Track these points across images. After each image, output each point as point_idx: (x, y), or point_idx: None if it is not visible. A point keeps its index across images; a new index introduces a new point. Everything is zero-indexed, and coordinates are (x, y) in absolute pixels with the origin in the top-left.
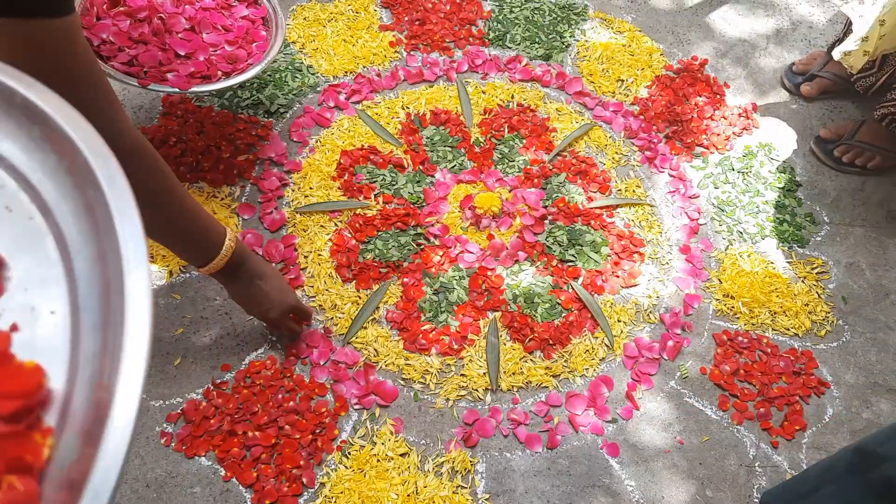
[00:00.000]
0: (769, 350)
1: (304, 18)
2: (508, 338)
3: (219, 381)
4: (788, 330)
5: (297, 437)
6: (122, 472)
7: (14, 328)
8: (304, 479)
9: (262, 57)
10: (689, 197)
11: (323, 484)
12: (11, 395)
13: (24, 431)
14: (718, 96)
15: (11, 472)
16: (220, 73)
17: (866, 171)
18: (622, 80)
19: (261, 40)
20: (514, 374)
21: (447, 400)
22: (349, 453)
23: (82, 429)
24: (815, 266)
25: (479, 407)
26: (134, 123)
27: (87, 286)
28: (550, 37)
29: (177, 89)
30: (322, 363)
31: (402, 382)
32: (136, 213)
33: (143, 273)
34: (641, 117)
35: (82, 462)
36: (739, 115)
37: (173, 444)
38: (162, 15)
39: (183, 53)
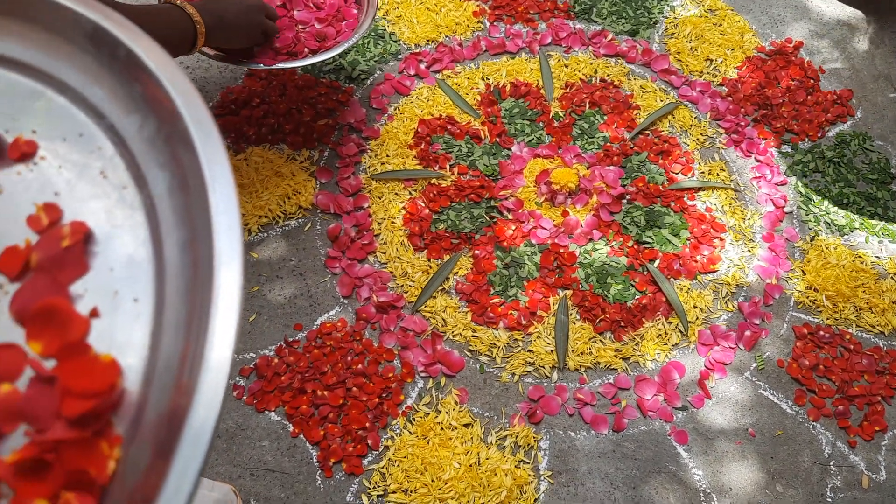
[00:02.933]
0: (852, 346)
1: None
2: (578, 317)
3: (291, 339)
4: (874, 327)
5: (364, 399)
6: (195, 492)
7: (94, 314)
8: (369, 441)
9: (350, 35)
10: (776, 184)
11: (387, 447)
12: (83, 393)
13: (90, 439)
14: (812, 81)
15: (71, 488)
16: (306, 49)
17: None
18: (711, 60)
19: (351, 18)
20: (582, 353)
21: (513, 374)
22: (414, 419)
23: (154, 438)
24: None
25: (545, 384)
26: (218, 81)
27: (175, 275)
28: (638, 12)
29: (262, 65)
30: (391, 329)
31: (468, 354)
32: (234, 198)
33: (236, 270)
34: (729, 99)
35: (150, 478)
36: (833, 101)
37: (245, 398)
38: None
39: None
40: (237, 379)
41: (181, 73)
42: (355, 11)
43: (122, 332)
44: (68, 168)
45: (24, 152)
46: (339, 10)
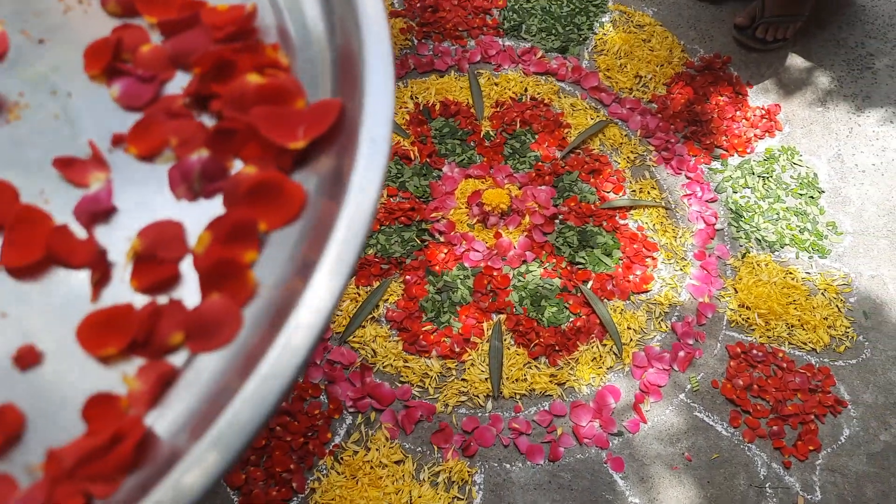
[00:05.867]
0: (785, 365)
1: None
2: (513, 342)
3: None
4: (806, 344)
5: (288, 439)
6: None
7: None
8: (294, 484)
9: None
10: (706, 201)
11: (313, 489)
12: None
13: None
14: (740, 96)
15: None
16: None
17: (787, 41)
18: (640, 77)
19: None
20: (517, 380)
21: (446, 405)
22: (342, 458)
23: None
24: (835, 278)
25: (480, 414)
26: None
27: None
28: (567, 29)
29: None
30: (317, 363)
31: (399, 385)
32: None
33: None
34: (659, 116)
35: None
36: (762, 116)
37: None
38: None
39: None
40: None
41: None
42: None
43: None
44: None
45: None
46: None
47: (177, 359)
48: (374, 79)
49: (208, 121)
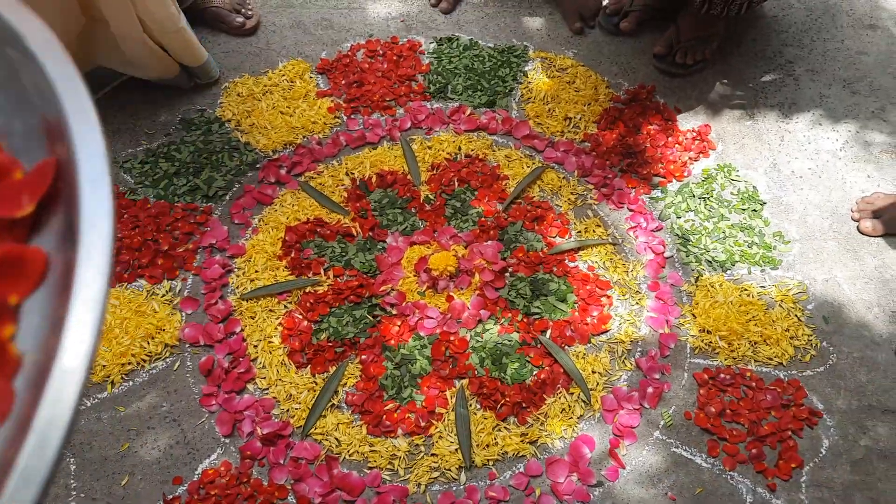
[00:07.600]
0: (754, 384)
1: (238, 94)
2: (479, 406)
3: (170, 496)
4: (772, 360)
5: None
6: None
7: None
8: None
9: None
10: (652, 230)
11: None
12: None
13: None
14: (670, 122)
15: None
16: None
17: (707, 61)
18: (570, 118)
19: None
20: (488, 445)
21: (419, 485)
22: None
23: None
24: (790, 287)
25: (454, 488)
26: None
27: None
28: (492, 83)
29: None
30: (280, 462)
31: (367, 472)
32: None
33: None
34: (594, 154)
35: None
36: (694, 138)
37: None
38: None
39: None
40: None
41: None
42: None
43: None
44: None
45: None
46: None
47: None
48: (78, 122)
49: None
